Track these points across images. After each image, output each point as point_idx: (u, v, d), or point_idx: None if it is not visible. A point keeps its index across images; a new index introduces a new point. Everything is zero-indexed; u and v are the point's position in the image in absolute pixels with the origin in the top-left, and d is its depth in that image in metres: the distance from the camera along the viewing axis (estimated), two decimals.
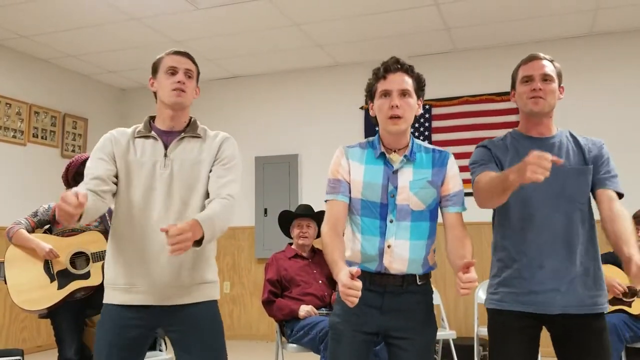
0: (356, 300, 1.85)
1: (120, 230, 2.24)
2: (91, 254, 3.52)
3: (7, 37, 5.72)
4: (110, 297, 2.22)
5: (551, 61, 2.31)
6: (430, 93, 6.26)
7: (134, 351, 2.21)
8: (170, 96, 2.23)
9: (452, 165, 2.20)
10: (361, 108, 6.37)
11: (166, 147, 2.24)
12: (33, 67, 6.27)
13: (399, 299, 2.13)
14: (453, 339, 4.58)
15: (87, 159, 3.66)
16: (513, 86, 2.36)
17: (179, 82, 2.23)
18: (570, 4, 5.04)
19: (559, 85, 2.30)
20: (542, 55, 2.31)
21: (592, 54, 5.70)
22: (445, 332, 4.52)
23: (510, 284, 2.22)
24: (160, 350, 3.92)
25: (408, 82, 2.13)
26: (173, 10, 5.12)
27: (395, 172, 2.15)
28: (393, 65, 2.13)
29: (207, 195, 2.22)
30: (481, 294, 4.91)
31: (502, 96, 5.82)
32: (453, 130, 6.01)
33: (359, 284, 1.85)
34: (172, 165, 2.21)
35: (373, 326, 2.15)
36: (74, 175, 3.62)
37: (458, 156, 6.64)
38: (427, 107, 6.12)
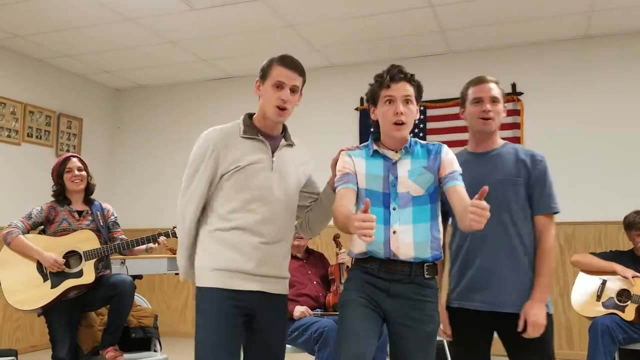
0: (372, 233, 1.90)
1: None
2: (84, 252, 3.52)
3: (2, 37, 5.71)
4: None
5: (497, 83, 2.54)
6: (424, 94, 6.20)
7: None
8: (273, 114, 2.36)
9: (447, 152, 2.34)
10: (356, 109, 6.38)
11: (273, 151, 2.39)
12: (28, 67, 6.26)
13: (405, 287, 2.24)
14: (447, 341, 4.60)
15: (65, 159, 3.70)
16: (463, 104, 2.61)
17: (283, 99, 2.33)
18: (564, 7, 5.06)
19: (504, 104, 2.55)
20: (489, 78, 2.56)
21: (587, 56, 5.73)
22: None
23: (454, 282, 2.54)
24: (155, 351, 3.93)
25: (410, 90, 2.29)
26: (168, 11, 5.12)
27: (395, 163, 2.30)
28: (397, 75, 2.28)
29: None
30: None
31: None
32: (447, 131, 6.02)
33: (373, 216, 1.91)
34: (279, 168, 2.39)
35: (381, 307, 2.25)
36: (56, 177, 3.72)
37: None
38: (421, 108, 6.13)
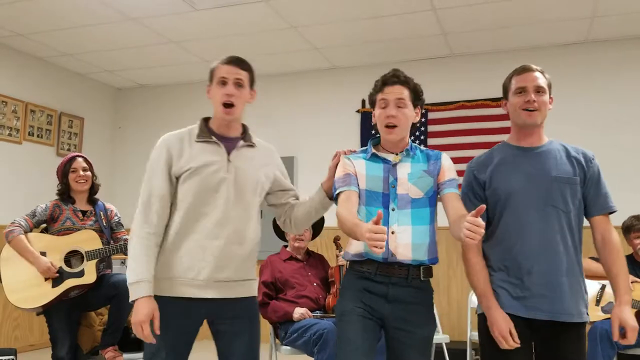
0: (383, 245, 1.89)
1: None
2: (85, 252, 3.52)
3: (4, 35, 5.71)
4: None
5: (542, 72, 2.36)
6: (426, 98, 6.23)
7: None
8: (220, 111, 2.35)
9: (446, 159, 2.37)
10: (357, 111, 6.39)
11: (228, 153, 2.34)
12: (29, 66, 6.26)
13: (403, 291, 2.25)
14: (446, 343, 4.60)
15: (70, 159, 3.71)
16: (505, 96, 2.42)
17: (227, 94, 2.32)
18: (566, 11, 5.07)
19: (550, 95, 2.38)
20: (534, 66, 2.36)
21: (588, 61, 5.73)
22: (439, 336, 4.53)
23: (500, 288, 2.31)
24: None
25: (404, 93, 2.30)
26: (171, 11, 5.13)
27: (395, 165, 2.31)
28: (391, 79, 2.31)
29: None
30: (474, 298, 4.94)
31: (498, 101, 5.79)
32: (449, 135, 6.03)
33: (384, 228, 1.92)
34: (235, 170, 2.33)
35: (379, 313, 2.25)
36: (60, 176, 3.71)
37: (454, 161, 6.63)
38: (423, 111, 6.13)
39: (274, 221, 4.13)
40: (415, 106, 2.35)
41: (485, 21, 5.28)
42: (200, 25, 5.42)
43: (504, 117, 5.85)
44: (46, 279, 3.44)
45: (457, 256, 5.80)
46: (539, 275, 2.22)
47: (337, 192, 2.32)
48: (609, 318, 3.85)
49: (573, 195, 2.27)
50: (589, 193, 2.32)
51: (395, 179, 2.28)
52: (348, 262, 2.37)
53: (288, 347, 3.73)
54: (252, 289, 2.41)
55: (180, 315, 2.24)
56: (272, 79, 6.85)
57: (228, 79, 2.32)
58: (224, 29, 5.51)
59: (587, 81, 5.71)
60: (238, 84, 2.33)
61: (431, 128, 6.12)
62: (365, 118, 6.30)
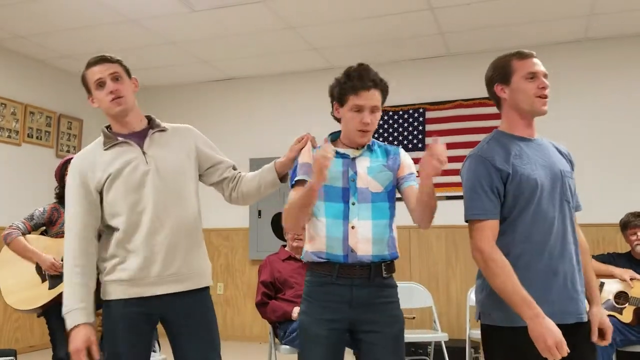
0: (328, 163, 1.98)
1: None
2: None
3: (3, 37, 5.73)
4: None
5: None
6: (424, 96, 6.37)
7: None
8: (110, 108, 2.28)
9: (405, 154, 2.38)
10: None
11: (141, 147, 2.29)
12: (28, 68, 6.28)
13: (366, 292, 2.20)
14: (445, 341, 4.60)
15: (67, 161, 3.71)
16: (503, 80, 2.19)
17: (111, 91, 2.26)
18: (563, 10, 5.08)
19: None
20: (533, 53, 2.24)
21: (586, 59, 5.74)
22: (437, 334, 4.54)
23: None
24: (154, 352, 3.93)
25: (378, 99, 2.27)
26: (169, 12, 5.14)
27: (354, 159, 2.28)
28: (367, 83, 2.24)
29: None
30: (473, 296, 4.94)
31: None
32: (447, 133, 6.04)
33: (332, 147, 2.03)
34: (153, 162, 2.28)
35: (344, 322, 2.20)
36: (59, 179, 3.69)
37: (451, 159, 6.65)
38: (421, 110, 6.16)
39: (273, 221, 4.16)
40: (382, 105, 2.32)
41: (482, 20, 5.30)
42: (199, 26, 5.43)
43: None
44: (43, 281, 3.45)
45: (456, 255, 5.82)
46: (564, 275, 2.03)
47: (298, 178, 2.25)
48: (608, 316, 3.87)
49: (573, 189, 2.16)
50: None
51: (355, 173, 2.25)
52: (308, 264, 2.29)
53: (287, 347, 3.74)
54: (201, 281, 2.33)
55: (136, 316, 2.21)
56: (270, 79, 6.86)
57: (104, 78, 2.27)
58: (222, 29, 5.52)
59: (585, 79, 5.72)
60: (115, 78, 2.28)
61: (429, 127, 6.13)
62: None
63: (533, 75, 2.13)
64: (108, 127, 2.36)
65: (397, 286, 2.31)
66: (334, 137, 2.39)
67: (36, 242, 3.55)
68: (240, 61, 6.42)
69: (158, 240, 2.21)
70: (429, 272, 5.89)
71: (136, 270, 2.19)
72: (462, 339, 5.04)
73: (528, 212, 2.05)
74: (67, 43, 5.88)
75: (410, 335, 4.69)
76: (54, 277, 3.47)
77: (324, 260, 2.21)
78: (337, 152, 2.25)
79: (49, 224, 3.64)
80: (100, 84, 2.27)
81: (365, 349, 2.21)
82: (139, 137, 2.31)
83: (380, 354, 2.18)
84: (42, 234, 3.68)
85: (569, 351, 1.88)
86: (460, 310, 5.64)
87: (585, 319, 2.06)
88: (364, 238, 2.19)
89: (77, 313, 2.13)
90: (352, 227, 2.19)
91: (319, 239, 2.22)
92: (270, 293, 3.86)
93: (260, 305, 3.83)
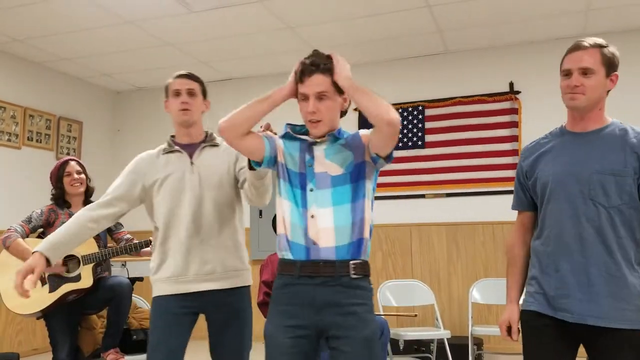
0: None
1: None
2: (82, 256, 3.52)
3: (1, 41, 5.73)
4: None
5: (600, 47, 2.15)
6: (423, 94, 6.37)
7: None
8: (178, 115, 2.59)
9: (365, 131, 2.16)
10: (355, 109, 6.39)
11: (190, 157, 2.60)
12: (27, 71, 6.28)
13: (331, 291, 2.01)
14: (447, 339, 4.61)
15: (63, 163, 3.73)
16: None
17: (182, 102, 2.58)
18: (561, 5, 5.08)
19: (610, 74, 2.19)
20: (586, 43, 2.14)
21: None
22: (440, 332, 4.55)
23: (531, 285, 2.20)
24: None
25: (324, 85, 2.07)
26: (167, 14, 5.14)
27: (312, 144, 2.14)
28: (308, 68, 2.08)
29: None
30: (475, 293, 4.95)
31: (494, 97, 5.87)
32: (446, 131, 6.04)
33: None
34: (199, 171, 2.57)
35: (311, 328, 2.02)
36: (55, 181, 3.75)
37: (452, 156, 6.66)
38: (420, 108, 6.16)
39: (274, 220, 4.16)
40: (341, 93, 2.12)
41: (480, 17, 5.30)
42: (197, 27, 5.44)
43: (501, 112, 5.94)
44: (43, 284, 3.45)
45: (457, 252, 5.82)
46: (567, 274, 2.04)
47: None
48: None
49: (620, 188, 2.02)
50: None
51: (312, 157, 2.10)
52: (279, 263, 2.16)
53: None
54: (242, 280, 2.60)
55: (176, 310, 2.49)
56: (269, 80, 6.85)
57: (181, 90, 2.59)
58: (220, 30, 5.53)
59: None
60: (190, 93, 2.60)
61: (428, 124, 6.12)
62: (363, 116, 6.29)
63: (567, 72, 2.14)
64: (173, 136, 2.68)
65: (371, 290, 2.10)
66: (293, 127, 2.25)
67: (34, 245, 3.52)
68: (238, 62, 6.43)
69: (194, 242, 2.49)
70: (430, 270, 5.88)
71: (176, 269, 2.49)
72: (465, 335, 5.05)
73: (543, 208, 2.16)
74: (65, 46, 5.88)
75: (413, 333, 4.71)
76: (54, 280, 3.47)
77: (287, 260, 2.08)
78: (295, 137, 2.17)
79: (47, 226, 3.64)
80: (177, 93, 2.60)
81: (336, 355, 2.01)
82: (193, 149, 2.61)
83: None
84: (39, 236, 3.67)
85: (514, 339, 2.20)
86: (462, 307, 5.65)
87: (615, 325, 1.97)
88: (325, 227, 2.02)
89: (41, 244, 2.49)
90: (312, 216, 2.04)
91: (286, 221, 2.09)
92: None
93: (262, 305, 3.83)
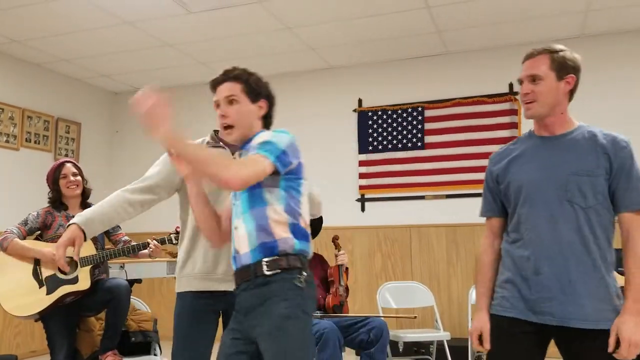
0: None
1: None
2: (79, 258, 3.51)
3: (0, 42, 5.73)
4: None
5: (550, 52, 2.21)
6: (422, 95, 6.36)
7: None
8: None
9: (260, 137, 2.12)
10: (354, 110, 6.39)
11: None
12: (25, 72, 6.26)
13: (249, 295, 1.99)
14: (447, 340, 4.60)
15: (59, 165, 3.72)
16: None
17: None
18: (560, 6, 5.07)
19: (563, 77, 2.21)
20: (536, 50, 2.20)
21: (583, 55, 5.71)
22: (440, 334, 4.54)
23: (505, 289, 2.17)
24: (155, 355, 3.92)
25: (233, 89, 2.15)
26: (165, 14, 5.13)
27: (233, 153, 2.24)
28: (218, 78, 2.19)
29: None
30: (475, 295, 4.93)
31: (494, 98, 5.86)
32: (445, 132, 6.03)
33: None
34: None
35: (243, 332, 2.02)
36: (51, 183, 3.76)
37: (451, 158, 6.66)
38: (419, 109, 6.15)
39: None
40: (256, 100, 2.18)
41: (479, 18, 5.29)
42: (195, 27, 5.42)
43: (500, 113, 5.93)
44: (40, 287, 3.43)
45: (457, 254, 5.80)
46: (549, 276, 2.04)
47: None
48: None
49: (594, 189, 2.04)
50: (617, 186, 2.06)
51: None
52: None
53: None
54: None
55: (201, 307, 2.50)
56: (268, 80, 6.84)
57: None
58: (219, 30, 5.51)
59: (583, 76, 5.71)
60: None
61: (427, 125, 6.11)
62: (363, 117, 6.29)
63: (520, 82, 2.21)
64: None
65: (291, 281, 1.97)
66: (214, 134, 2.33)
67: (34, 245, 3.53)
68: (237, 62, 6.35)
69: None
70: (430, 271, 5.87)
71: (204, 267, 2.49)
72: (465, 337, 5.04)
73: (517, 212, 2.16)
74: (64, 47, 5.87)
75: (412, 335, 4.70)
76: (52, 282, 3.45)
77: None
78: (216, 145, 2.25)
79: (44, 228, 3.63)
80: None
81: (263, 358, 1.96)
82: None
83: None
84: (36, 238, 3.66)
85: (485, 347, 2.14)
86: (462, 309, 5.63)
87: (590, 326, 1.99)
88: (242, 235, 2.02)
89: (77, 217, 2.45)
90: (235, 228, 2.06)
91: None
92: None
93: None
